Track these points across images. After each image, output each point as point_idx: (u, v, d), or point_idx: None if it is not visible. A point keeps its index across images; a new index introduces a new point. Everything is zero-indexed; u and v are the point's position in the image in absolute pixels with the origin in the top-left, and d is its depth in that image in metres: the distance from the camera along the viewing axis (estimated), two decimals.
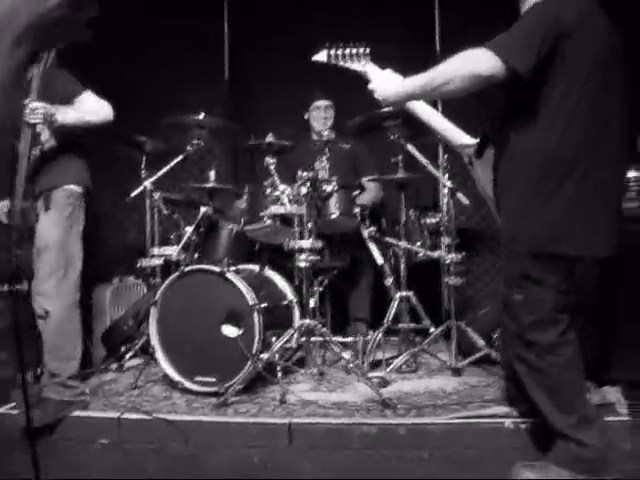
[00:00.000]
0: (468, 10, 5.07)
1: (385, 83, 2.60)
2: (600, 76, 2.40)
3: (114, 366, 4.28)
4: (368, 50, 2.72)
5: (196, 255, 4.23)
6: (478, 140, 2.87)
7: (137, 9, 5.23)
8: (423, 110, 2.91)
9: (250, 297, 3.58)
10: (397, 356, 4.05)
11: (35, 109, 3.20)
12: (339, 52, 2.72)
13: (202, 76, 5.43)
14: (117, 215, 5.54)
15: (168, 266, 4.26)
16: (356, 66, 2.73)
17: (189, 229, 4.22)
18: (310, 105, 5.05)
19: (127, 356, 4.30)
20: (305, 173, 3.69)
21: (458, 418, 3.14)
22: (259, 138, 4.14)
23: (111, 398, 3.68)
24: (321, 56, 2.76)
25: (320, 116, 4.98)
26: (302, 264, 3.69)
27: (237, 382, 3.50)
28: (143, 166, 4.23)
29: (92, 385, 3.86)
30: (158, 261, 4.14)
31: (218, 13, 5.54)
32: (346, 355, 3.61)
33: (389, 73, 2.69)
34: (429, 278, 4.58)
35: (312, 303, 3.83)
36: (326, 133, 3.92)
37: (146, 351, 4.26)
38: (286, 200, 3.79)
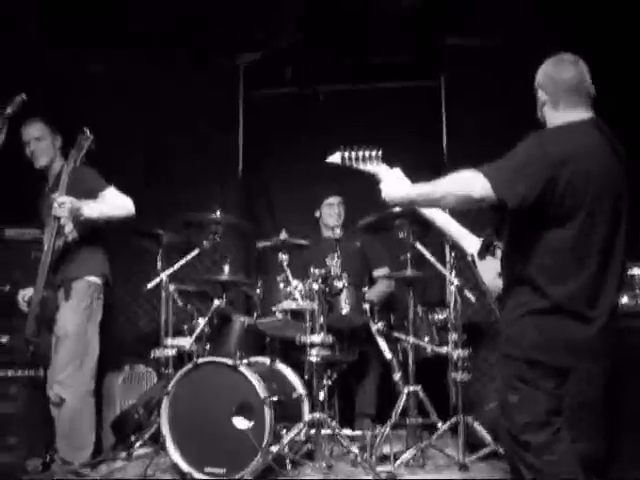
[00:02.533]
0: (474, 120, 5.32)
1: (393, 185, 2.75)
2: (596, 209, 2.52)
3: (123, 454, 4.29)
4: (380, 152, 2.87)
5: (208, 346, 4.32)
6: (482, 240, 3.02)
7: (152, 109, 5.51)
8: (440, 216, 3.07)
9: (262, 390, 3.66)
10: (404, 451, 4.07)
11: (63, 203, 3.38)
12: (352, 154, 2.86)
13: (216, 171, 5.63)
14: (129, 304, 5.65)
15: (181, 356, 4.34)
16: (369, 168, 2.87)
17: (202, 321, 4.33)
18: (322, 202, 5.22)
19: (136, 445, 4.32)
20: (317, 270, 3.82)
21: None
22: (272, 236, 4.30)
23: None
24: (335, 158, 2.88)
25: (333, 212, 5.15)
26: (313, 358, 3.78)
27: (247, 474, 3.54)
28: (159, 258, 4.35)
29: (101, 473, 3.89)
30: (171, 351, 4.22)
31: (234, 117, 5.76)
32: (354, 449, 3.65)
33: (398, 174, 2.83)
34: (436, 373, 4.65)
35: (321, 396, 3.90)
36: (338, 230, 4.07)
37: (156, 440, 4.31)
38: (298, 295, 3.92)
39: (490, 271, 2.91)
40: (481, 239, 3.03)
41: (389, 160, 5.45)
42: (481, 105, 5.37)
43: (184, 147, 5.59)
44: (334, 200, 5.19)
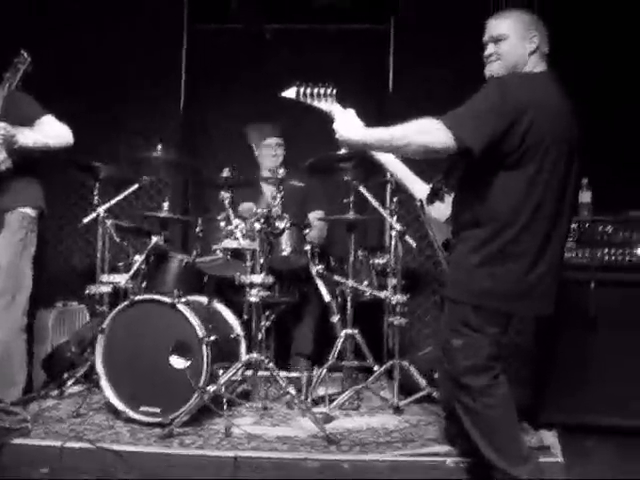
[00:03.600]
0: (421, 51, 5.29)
1: (347, 127, 2.70)
2: (552, 155, 2.55)
3: (55, 392, 4.19)
4: (335, 91, 2.82)
5: (144, 284, 4.23)
6: (431, 186, 3.01)
7: (94, 29, 5.29)
8: (389, 160, 3.04)
9: (200, 329, 3.61)
10: (340, 393, 4.11)
11: None
12: (308, 90, 2.81)
13: (157, 104, 5.47)
14: (62, 239, 5.50)
15: (116, 294, 4.24)
16: (323, 105, 2.81)
17: (139, 257, 4.23)
18: (260, 142, 5.12)
19: (69, 383, 4.24)
20: (260, 209, 3.77)
21: (401, 456, 3.23)
22: (213, 172, 4.20)
23: (52, 425, 3.61)
24: (290, 93, 2.83)
25: (270, 153, 5.06)
26: (253, 299, 3.74)
27: (183, 414, 3.51)
28: (95, 192, 4.21)
29: (32, 411, 3.77)
30: (107, 288, 4.11)
31: (177, 42, 5.58)
32: (292, 390, 3.65)
33: (352, 115, 2.79)
34: (372, 317, 4.70)
35: (259, 337, 3.89)
36: (281, 171, 3.99)
37: (89, 379, 4.24)
38: (239, 235, 3.85)
39: (438, 217, 2.91)
40: (429, 185, 3.02)
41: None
42: (430, 53, 5.33)
43: (125, 78, 5.40)
44: (271, 141, 5.09)
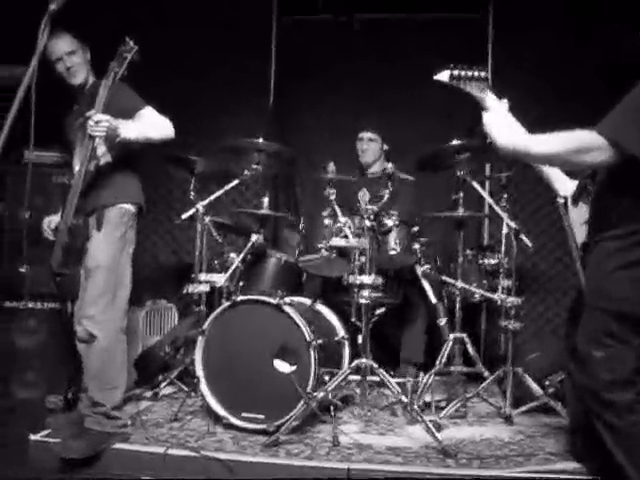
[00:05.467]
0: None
1: (503, 130, 2.45)
2: None
3: (148, 394, 4.09)
4: (488, 75, 2.56)
5: (241, 284, 4.07)
6: (578, 184, 2.74)
7: (184, 22, 5.19)
8: None
9: (307, 332, 3.41)
10: (447, 399, 3.90)
11: (99, 121, 3.05)
12: (463, 73, 2.55)
13: (247, 98, 5.36)
14: (148, 235, 5.39)
15: (211, 293, 4.08)
16: (474, 91, 2.56)
17: (234, 256, 4.07)
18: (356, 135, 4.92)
19: (162, 384, 4.11)
20: (369, 206, 3.54)
21: (527, 472, 2.98)
22: (315, 168, 4.00)
23: (151, 430, 3.49)
24: (443, 76, 2.58)
25: (360, 147, 4.85)
26: (363, 300, 3.52)
27: (290, 421, 3.32)
28: (192, 187, 4.05)
29: (128, 413, 3.62)
30: (205, 288, 3.95)
31: (266, 34, 5.43)
32: (404, 397, 3.43)
33: (505, 109, 2.54)
34: (479, 320, 4.46)
35: (360, 339, 3.68)
36: (390, 165, 3.74)
37: (183, 380, 4.10)
38: (348, 232, 3.63)
39: (578, 218, 2.65)
40: (576, 183, 2.75)
41: (425, 98, 5.23)
42: (532, 43, 5.05)
43: (215, 71, 5.30)
44: (362, 135, 4.86)
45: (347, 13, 5.56)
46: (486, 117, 2.47)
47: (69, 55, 3.37)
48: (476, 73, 2.52)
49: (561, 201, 2.75)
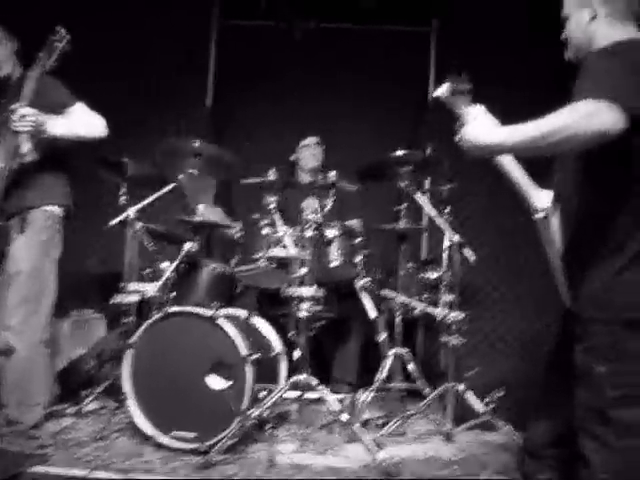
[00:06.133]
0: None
1: (482, 129, 2.29)
2: None
3: (72, 410, 3.83)
4: (470, 87, 2.39)
5: (173, 294, 3.86)
6: (553, 195, 2.60)
7: (122, 26, 4.95)
8: (508, 163, 2.63)
9: (243, 347, 3.24)
10: (385, 417, 3.80)
11: (24, 115, 2.83)
12: (460, 87, 2.36)
13: (184, 100, 5.18)
14: (74, 242, 5.11)
15: (141, 304, 3.86)
16: (461, 105, 2.37)
17: (166, 265, 3.87)
18: (298, 144, 4.80)
19: (87, 400, 3.87)
20: (312, 215, 3.40)
21: None
22: (251, 174, 3.85)
23: (73, 449, 3.25)
24: (444, 90, 2.38)
25: (310, 153, 4.74)
26: (302, 314, 3.37)
27: (223, 440, 3.13)
28: (123, 192, 3.83)
29: (48, 431, 3.38)
30: (134, 298, 3.72)
31: (206, 36, 5.25)
32: (344, 415, 3.28)
33: (483, 113, 2.37)
34: (415, 336, 4.37)
35: (301, 356, 3.54)
36: (332, 173, 3.61)
37: (109, 395, 3.88)
38: (289, 242, 3.47)
39: (556, 226, 2.52)
40: (549, 192, 2.61)
41: (364, 109, 5.16)
42: (474, 55, 5.02)
43: (153, 71, 5.11)
44: (310, 141, 4.77)
45: (289, 21, 5.44)
46: (467, 127, 2.30)
47: None
48: (467, 86, 2.36)
49: (541, 215, 2.61)
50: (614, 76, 2.08)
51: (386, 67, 5.29)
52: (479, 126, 2.25)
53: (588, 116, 2.00)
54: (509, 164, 2.57)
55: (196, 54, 5.24)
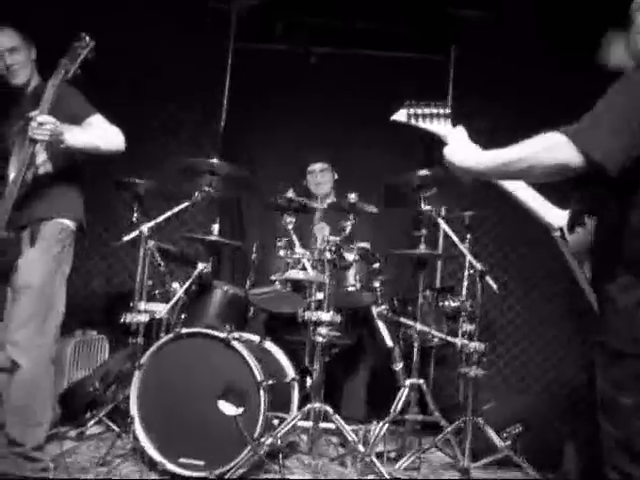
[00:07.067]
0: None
1: (459, 151, 2.27)
2: None
3: (73, 433, 3.69)
4: (449, 111, 2.40)
5: (183, 316, 3.74)
6: (569, 215, 2.54)
7: (136, 47, 4.92)
8: (516, 185, 2.58)
9: (257, 371, 3.11)
10: (397, 450, 3.69)
11: (44, 123, 2.72)
12: (419, 111, 2.40)
13: (199, 123, 5.14)
14: (83, 260, 5.01)
15: (149, 325, 3.73)
16: (436, 128, 2.40)
17: (177, 285, 3.75)
18: (306, 169, 4.71)
19: (89, 423, 3.73)
20: (332, 237, 3.29)
21: None
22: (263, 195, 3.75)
23: (75, 475, 3.11)
24: (400, 115, 2.42)
25: (313, 181, 4.64)
26: (319, 339, 3.25)
27: (233, 469, 2.99)
28: (136, 209, 3.72)
29: (50, 454, 3.21)
30: (144, 318, 3.58)
31: (222, 60, 5.20)
32: (360, 447, 3.14)
33: (463, 135, 2.37)
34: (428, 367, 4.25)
35: (309, 382, 3.42)
36: (353, 196, 3.49)
37: (112, 419, 3.74)
38: (307, 265, 3.35)
39: (578, 245, 2.44)
40: (568, 211, 2.55)
41: (380, 136, 5.09)
42: (490, 83, 4.99)
43: (167, 94, 5.07)
44: (314, 167, 4.66)
45: (304, 45, 5.39)
46: (447, 149, 2.28)
47: (10, 52, 3.04)
48: (435, 110, 2.38)
49: (557, 234, 2.55)
50: (599, 117, 2.03)
51: (403, 94, 5.20)
52: (457, 149, 2.23)
53: (546, 149, 2.01)
54: (520, 186, 2.55)
55: (211, 76, 5.16)
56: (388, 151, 5.11)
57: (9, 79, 3.07)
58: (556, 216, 2.59)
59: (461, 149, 2.29)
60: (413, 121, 2.44)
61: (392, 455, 3.66)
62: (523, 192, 2.57)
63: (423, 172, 3.43)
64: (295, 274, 3.37)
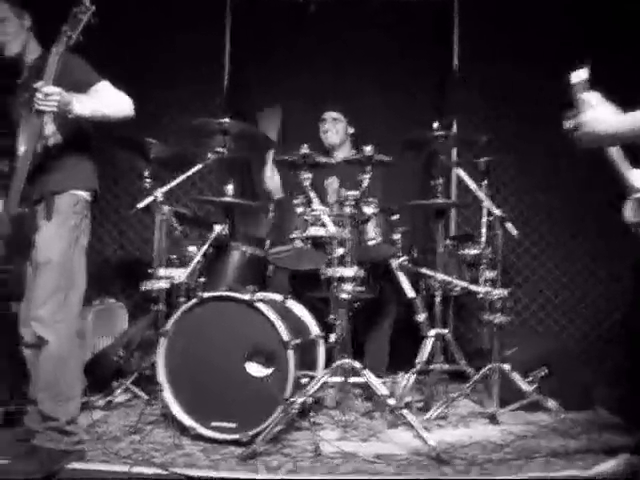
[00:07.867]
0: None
1: (601, 119, 2.14)
2: None
3: (101, 402, 3.70)
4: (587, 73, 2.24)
5: (202, 279, 3.71)
6: None
7: (139, 7, 4.85)
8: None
9: (284, 331, 3.09)
10: (424, 400, 3.72)
11: (49, 94, 2.65)
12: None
13: (201, 82, 5.01)
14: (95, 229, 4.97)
15: (169, 291, 3.70)
16: (582, 92, 2.25)
17: (194, 249, 3.71)
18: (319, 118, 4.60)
19: (117, 392, 3.73)
20: (350, 192, 3.24)
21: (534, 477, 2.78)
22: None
23: (109, 444, 3.11)
24: (582, 74, 2.24)
25: (323, 128, 4.53)
26: (344, 295, 3.22)
27: (267, 429, 2.99)
28: (148, 174, 3.66)
29: (81, 426, 3.21)
30: (165, 284, 3.56)
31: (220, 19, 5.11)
32: (391, 400, 3.14)
33: (600, 100, 2.23)
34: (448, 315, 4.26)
35: (332, 338, 3.41)
36: (369, 148, 3.40)
37: (139, 386, 3.74)
38: (328, 221, 3.30)
39: None
40: None
41: (388, 82, 4.99)
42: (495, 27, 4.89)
43: (168, 53, 4.95)
44: (326, 115, 4.54)
45: None
46: (586, 116, 2.14)
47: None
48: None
49: (638, 195, 2.49)
50: None
51: (404, 38, 5.09)
52: (599, 117, 2.11)
53: None
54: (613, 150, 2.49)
55: (211, 34, 5.08)
56: (397, 99, 5.04)
57: (1, 51, 2.98)
58: (636, 177, 2.54)
59: (604, 117, 2.17)
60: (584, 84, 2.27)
61: (419, 405, 3.68)
62: (617, 153, 2.52)
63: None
64: (316, 231, 3.32)
